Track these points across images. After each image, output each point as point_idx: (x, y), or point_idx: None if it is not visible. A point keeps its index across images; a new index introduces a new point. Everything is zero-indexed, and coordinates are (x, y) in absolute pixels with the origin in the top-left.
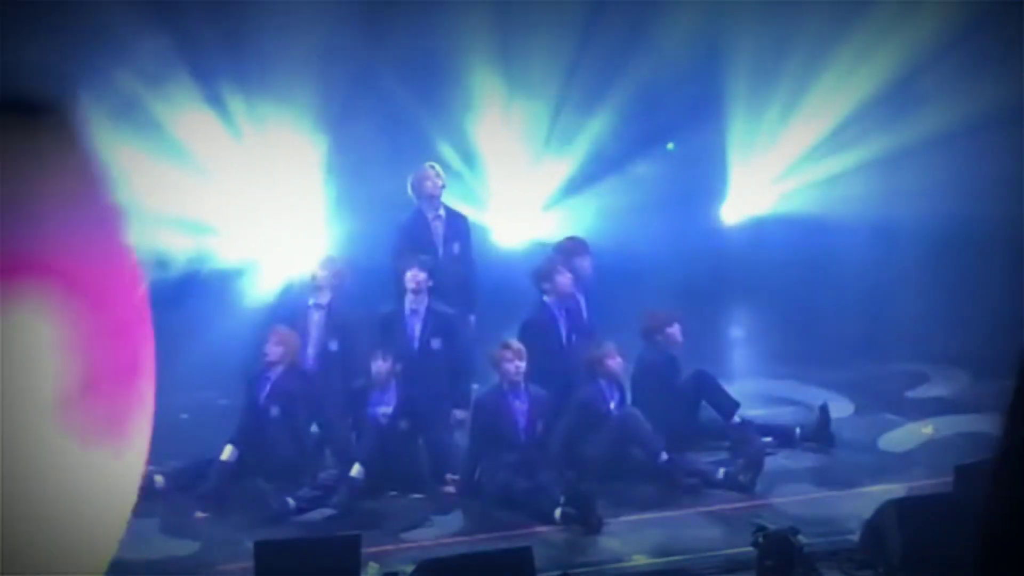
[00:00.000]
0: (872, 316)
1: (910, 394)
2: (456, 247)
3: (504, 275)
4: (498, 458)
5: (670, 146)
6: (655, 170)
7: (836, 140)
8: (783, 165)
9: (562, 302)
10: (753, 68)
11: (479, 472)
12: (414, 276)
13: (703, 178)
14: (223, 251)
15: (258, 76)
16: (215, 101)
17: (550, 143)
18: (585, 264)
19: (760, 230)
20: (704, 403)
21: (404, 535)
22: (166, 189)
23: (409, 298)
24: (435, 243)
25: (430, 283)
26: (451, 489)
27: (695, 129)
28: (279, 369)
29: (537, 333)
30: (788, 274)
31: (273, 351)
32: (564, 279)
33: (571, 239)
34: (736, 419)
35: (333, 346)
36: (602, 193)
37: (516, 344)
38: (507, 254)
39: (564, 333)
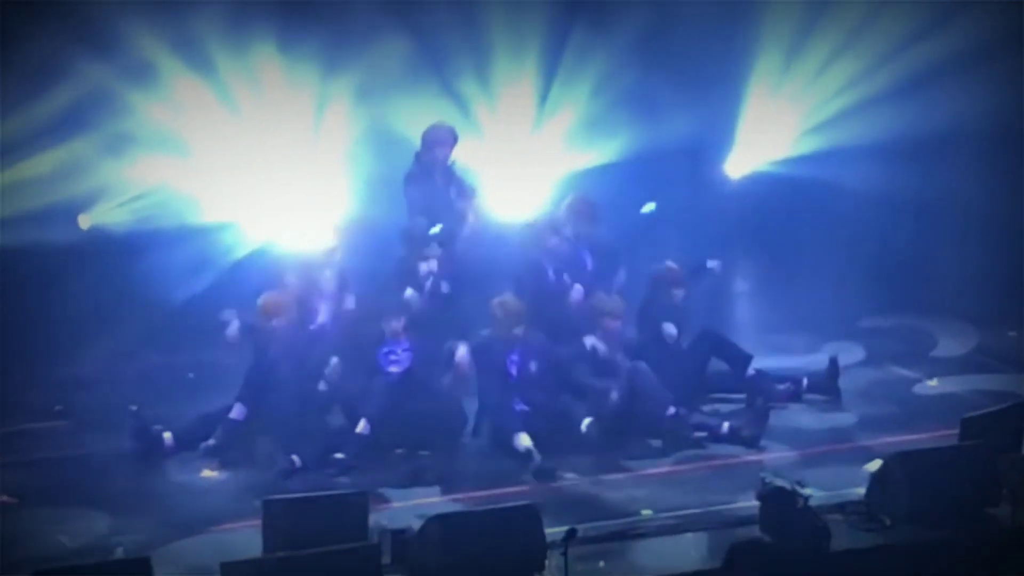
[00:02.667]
0: (879, 271)
1: (917, 348)
2: (463, 212)
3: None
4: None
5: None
6: (664, 122)
7: (850, 95)
8: (795, 119)
9: (554, 257)
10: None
11: (488, 417)
12: (427, 264)
13: (711, 132)
14: (229, 212)
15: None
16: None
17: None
18: (592, 228)
19: (769, 185)
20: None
21: (411, 492)
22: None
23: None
24: (447, 206)
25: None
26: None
27: (705, 79)
28: (286, 328)
29: (528, 285)
30: (797, 229)
31: (275, 322)
32: (555, 243)
33: (580, 200)
34: (751, 371)
35: (348, 302)
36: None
37: (512, 304)
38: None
39: (553, 278)
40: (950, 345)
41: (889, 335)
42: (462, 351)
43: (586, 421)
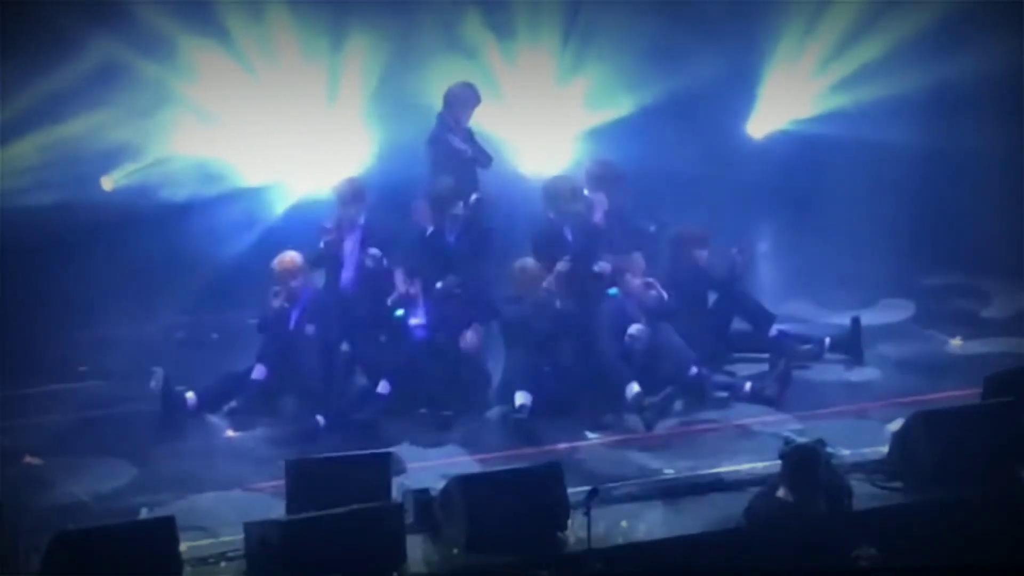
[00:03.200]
0: (900, 232)
1: (941, 307)
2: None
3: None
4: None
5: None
6: (683, 85)
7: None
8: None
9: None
10: None
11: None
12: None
13: (732, 92)
14: (251, 175)
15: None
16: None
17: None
18: (613, 192)
19: (795, 143)
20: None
21: (434, 452)
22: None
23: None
24: (467, 167)
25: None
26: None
27: (724, 42)
28: (308, 290)
29: (545, 248)
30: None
31: (292, 283)
32: (576, 208)
33: (601, 163)
34: (773, 331)
35: (370, 263)
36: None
37: (532, 266)
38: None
39: (571, 240)
40: (975, 305)
41: (911, 294)
42: (469, 336)
43: (633, 389)
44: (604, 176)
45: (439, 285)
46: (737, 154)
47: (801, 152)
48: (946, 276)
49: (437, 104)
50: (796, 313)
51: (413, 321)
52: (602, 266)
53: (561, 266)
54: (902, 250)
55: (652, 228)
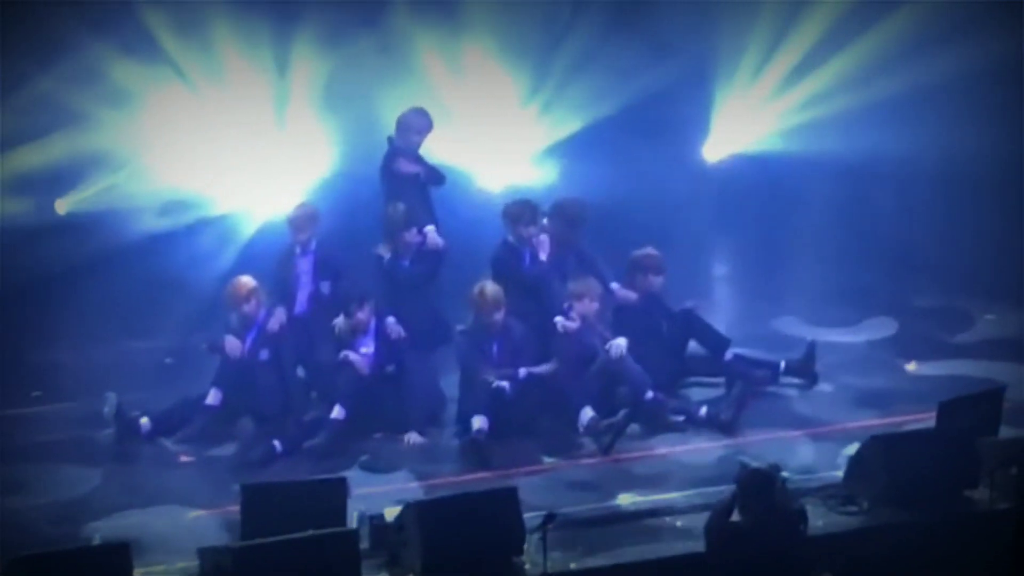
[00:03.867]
0: (855, 255)
1: (894, 333)
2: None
3: (482, 220)
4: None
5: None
6: (638, 110)
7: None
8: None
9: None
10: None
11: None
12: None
13: (686, 117)
14: (205, 200)
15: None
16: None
17: (534, 91)
18: (577, 232)
19: (745, 168)
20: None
21: (390, 476)
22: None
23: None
24: (420, 192)
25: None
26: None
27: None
28: (261, 314)
29: (504, 269)
30: (774, 212)
31: (245, 308)
32: (530, 232)
33: (569, 201)
34: (728, 355)
35: (325, 288)
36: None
37: (491, 290)
38: (489, 200)
39: (528, 263)
40: (929, 328)
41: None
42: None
43: (588, 414)
44: (572, 215)
45: (390, 320)
46: (697, 176)
47: (762, 173)
48: (928, 297)
49: (389, 128)
50: (782, 329)
51: (364, 350)
52: (564, 325)
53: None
54: (888, 270)
55: (690, 305)
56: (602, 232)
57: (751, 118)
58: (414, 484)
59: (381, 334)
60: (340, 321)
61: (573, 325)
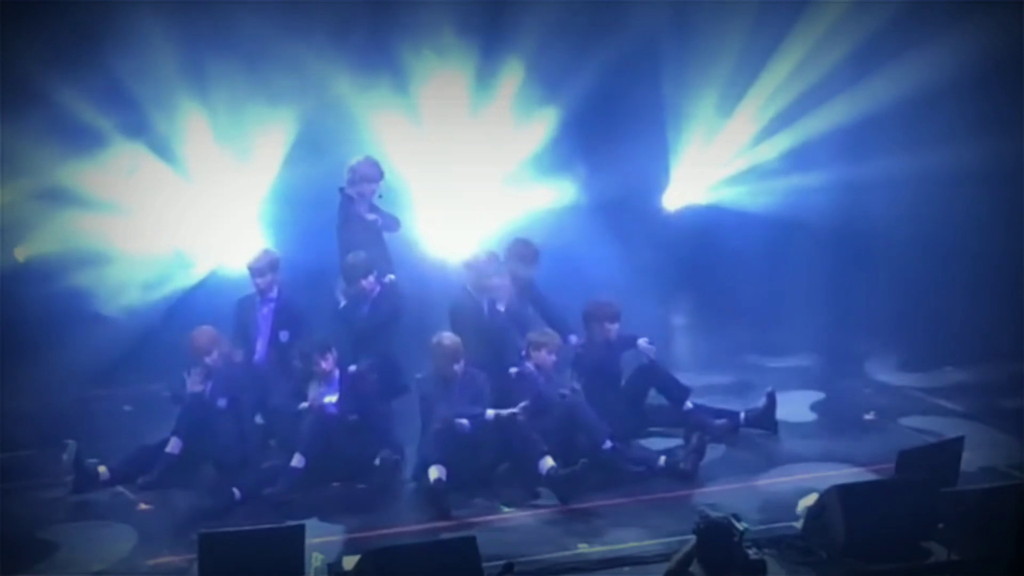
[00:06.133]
0: (815, 305)
1: (850, 382)
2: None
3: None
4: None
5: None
6: (597, 165)
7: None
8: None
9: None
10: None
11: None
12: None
13: (645, 170)
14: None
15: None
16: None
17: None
18: (529, 271)
19: (702, 220)
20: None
21: (349, 525)
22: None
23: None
24: (376, 241)
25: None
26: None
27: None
28: (220, 363)
29: (463, 319)
30: (733, 263)
31: (207, 359)
32: (492, 284)
33: (520, 242)
34: (688, 405)
35: (284, 337)
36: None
37: (449, 341)
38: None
39: (487, 313)
40: (886, 378)
41: (823, 367)
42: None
43: (548, 463)
44: (525, 255)
45: (352, 368)
46: (653, 227)
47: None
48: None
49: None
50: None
51: (327, 399)
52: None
53: None
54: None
55: (643, 346)
56: (563, 280)
57: (709, 172)
58: (372, 532)
59: (345, 383)
60: (299, 367)
61: (528, 369)
